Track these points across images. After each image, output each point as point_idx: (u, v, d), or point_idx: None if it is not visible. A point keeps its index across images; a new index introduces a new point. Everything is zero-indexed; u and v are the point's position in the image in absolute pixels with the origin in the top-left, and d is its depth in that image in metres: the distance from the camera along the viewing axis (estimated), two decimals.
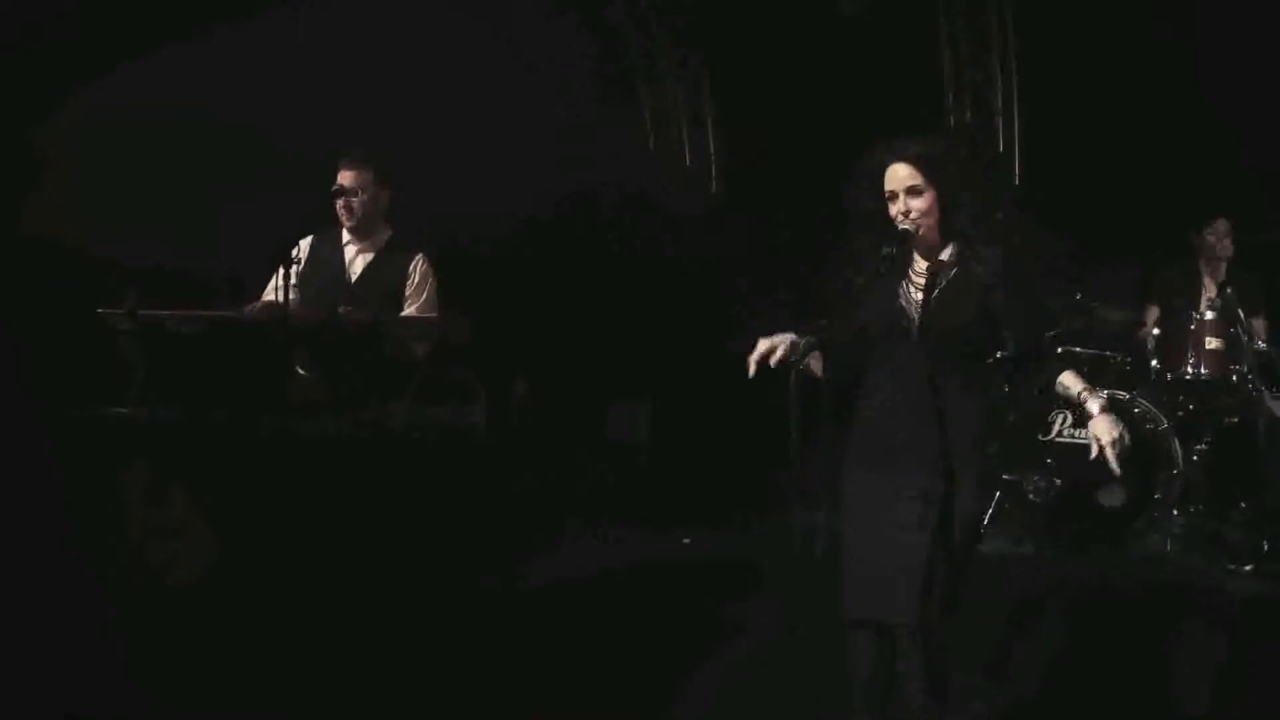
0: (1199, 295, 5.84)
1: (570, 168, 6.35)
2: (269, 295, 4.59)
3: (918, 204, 3.25)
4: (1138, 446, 5.30)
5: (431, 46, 5.96)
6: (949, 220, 3.28)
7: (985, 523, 5.36)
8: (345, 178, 4.65)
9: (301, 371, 4.46)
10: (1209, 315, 5.44)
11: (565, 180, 6.36)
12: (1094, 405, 3.21)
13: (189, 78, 5.38)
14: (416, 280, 4.68)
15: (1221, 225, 5.84)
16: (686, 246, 6.82)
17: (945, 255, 3.33)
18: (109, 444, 4.08)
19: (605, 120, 6.67)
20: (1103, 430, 3.17)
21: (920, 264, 3.35)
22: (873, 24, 6.28)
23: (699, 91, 7.33)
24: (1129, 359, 5.80)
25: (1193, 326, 5.45)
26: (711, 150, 7.37)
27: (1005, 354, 3.30)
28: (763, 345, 3.18)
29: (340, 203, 4.65)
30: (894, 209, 3.27)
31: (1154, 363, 5.64)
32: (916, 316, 3.29)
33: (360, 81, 5.78)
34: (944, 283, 3.30)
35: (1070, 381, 3.27)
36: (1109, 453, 3.16)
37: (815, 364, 3.30)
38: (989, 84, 6.45)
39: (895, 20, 6.27)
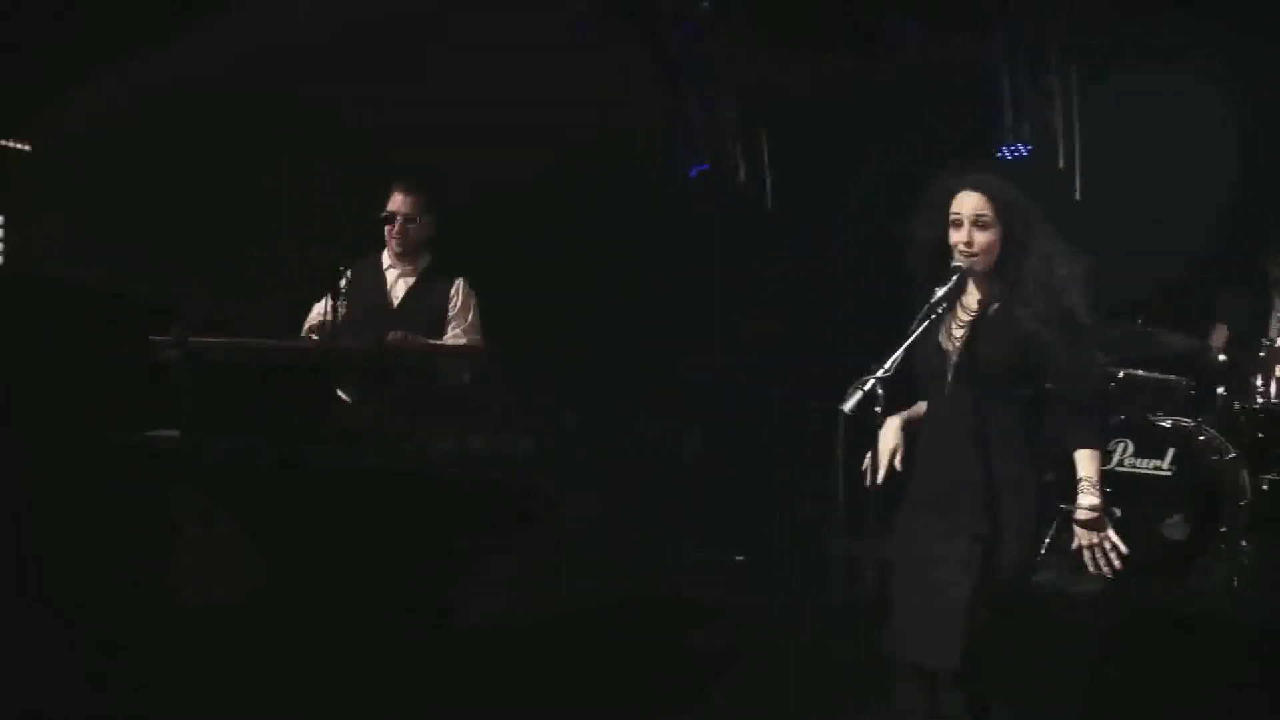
0: (1269, 321, 5.68)
1: (620, 186, 6.33)
2: (314, 322, 4.61)
3: (982, 238, 3.15)
4: (1203, 476, 5.20)
5: (473, 70, 5.97)
6: (1006, 259, 3.17)
7: (1039, 557, 5.25)
8: (400, 202, 4.68)
9: (346, 399, 4.48)
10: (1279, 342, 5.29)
11: (613, 199, 6.34)
12: (1083, 500, 3.16)
13: (236, 104, 5.46)
14: (459, 303, 4.69)
15: None
16: (739, 265, 6.77)
17: (993, 293, 3.23)
18: (157, 468, 4.15)
19: (656, 136, 6.65)
20: (1080, 533, 3.19)
21: (969, 300, 3.26)
22: (929, 42, 6.20)
23: (753, 108, 7.26)
24: (1193, 384, 5.65)
25: (1262, 353, 5.32)
26: (766, 166, 7.30)
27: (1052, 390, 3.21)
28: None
29: (394, 226, 4.66)
30: (956, 236, 3.17)
31: (1220, 390, 5.51)
32: (956, 355, 3.21)
33: (399, 104, 5.79)
34: (987, 321, 3.22)
35: (1082, 462, 3.18)
36: (1085, 556, 3.19)
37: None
38: (1048, 102, 6.33)
39: (951, 39, 6.18)
